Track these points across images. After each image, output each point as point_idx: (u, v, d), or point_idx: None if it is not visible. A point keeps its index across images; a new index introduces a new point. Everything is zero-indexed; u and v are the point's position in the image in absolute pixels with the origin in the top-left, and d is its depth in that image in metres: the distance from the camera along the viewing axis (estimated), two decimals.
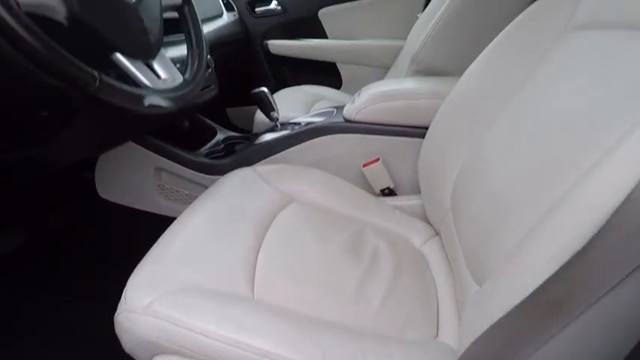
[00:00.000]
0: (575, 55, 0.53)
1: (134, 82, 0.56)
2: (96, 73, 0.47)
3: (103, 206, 1.08)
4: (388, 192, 0.90)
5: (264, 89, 1.00)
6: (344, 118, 0.91)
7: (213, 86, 1.10)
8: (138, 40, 0.58)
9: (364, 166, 0.88)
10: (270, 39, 1.74)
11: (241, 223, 0.66)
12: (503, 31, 0.69)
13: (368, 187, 0.90)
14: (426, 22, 1.27)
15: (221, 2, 1.52)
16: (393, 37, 1.65)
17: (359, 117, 0.88)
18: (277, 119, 1.03)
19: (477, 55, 0.73)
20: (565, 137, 0.45)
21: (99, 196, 1.08)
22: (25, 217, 1.04)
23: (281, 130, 1.01)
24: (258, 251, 0.63)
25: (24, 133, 0.64)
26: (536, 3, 0.66)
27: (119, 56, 0.54)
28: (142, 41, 0.59)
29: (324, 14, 1.70)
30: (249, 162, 0.97)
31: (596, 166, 0.34)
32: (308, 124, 1.01)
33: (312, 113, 1.09)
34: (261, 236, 0.66)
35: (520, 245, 0.41)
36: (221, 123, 1.38)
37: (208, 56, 1.08)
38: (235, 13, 1.62)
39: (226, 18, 1.50)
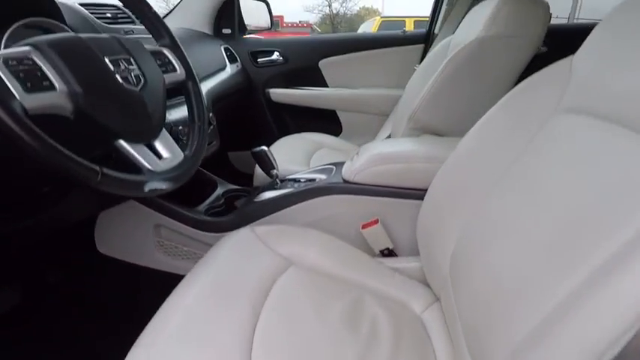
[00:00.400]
0: (564, 138, 0.54)
1: (135, 165, 0.57)
2: (97, 168, 0.49)
3: (102, 261, 1.07)
4: (388, 253, 0.90)
5: (265, 148, 1.02)
6: (343, 178, 0.92)
7: (214, 142, 1.12)
8: (141, 125, 0.60)
9: (363, 227, 0.88)
10: (271, 87, 1.79)
11: (239, 296, 0.65)
12: (498, 103, 0.71)
13: (367, 248, 0.90)
14: (423, 77, 1.31)
15: (225, 55, 1.58)
16: (391, 87, 1.70)
17: (358, 178, 0.89)
18: (277, 176, 1.04)
19: (473, 117, 0.75)
20: (572, 221, 0.45)
21: (98, 251, 1.08)
22: (22, 274, 1.03)
23: (281, 187, 1.02)
24: (255, 327, 0.62)
25: (24, 205, 0.65)
26: (529, 78, 0.68)
27: (122, 143, 0.56)
28: (145, 125, 0.61)
29: (325, 64, 1.75)
30: (248, 220, 0.97)
31: (626, 254, 0.34)
32: (308, 180, 1.03)
33: (311, 169, 1.10)
34: (259, 308, 0.65)
35: (535, 337, 0.40)
36: (222, 167, 1.40)
37: (210, 114, 1.11)
38: (238, 64, 1.68)
39: (229, 70, 1.55)
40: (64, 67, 0.49)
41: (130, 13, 1.03)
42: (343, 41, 1.77)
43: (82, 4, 0.89)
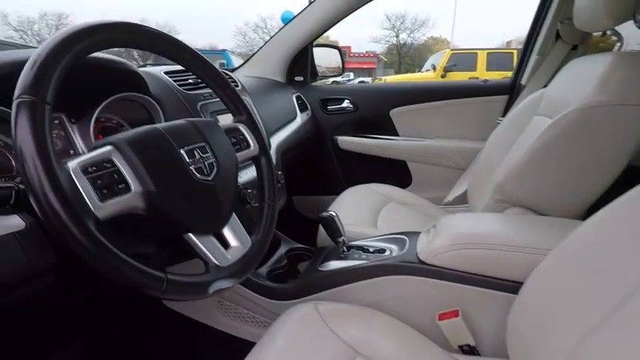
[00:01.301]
0: None
1: (200, 257, 0.55)
2: (163, 275, 0.47)
3: (166, 314, 1.07)
4: (468, 350, 0.77)
5: (333, 214, 0.97)
6: (418, 257, 0.83)
7: (281, 200, 1.10)
8: (211, 215, 0.58)
9: (440, 318, 0.78)
10: (340, 135, 1.76)
11: None
12: (633, 193, 0.58)
13: (443, 341, 0.79)
14: (508, 134, 1.19)
15: (296, 104, 1.58)
16: (469, 139, 1.58)
17: (436, 261, 0.79)
18: (344, 243, 0.98)
19: (581, 196, 0.62)
20: None
21: (163, 303, 1.08)
22: (86, 328, 1.06)
23: (347, 256, 0.96)
24: None
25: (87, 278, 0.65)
26: None
27: (191, 236, 0.55)
28: (216, 215, 0.59)
29: (396, 113, 1.69)
30: (311, 290, 0.92)
31: None
32: (377, 251, 0.95)
33: (381, 237, 1.02)
34: None
35: None
36: (286, 211, 1.37)
37: (279, 172, 1.09)
38: (308, 111, 1.68)
39: (300, 119, 1.55)
40: (141, 168, 0.49)
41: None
42: (417, 90, 1.70)
43: (166, 72, 0.93)
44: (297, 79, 1.78)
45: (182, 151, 0.55)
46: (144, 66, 1.06)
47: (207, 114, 0.94)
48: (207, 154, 0.59)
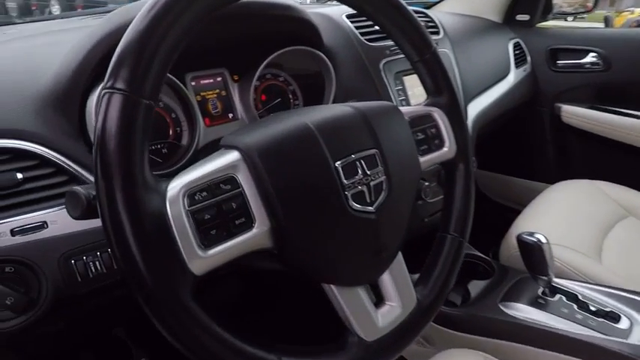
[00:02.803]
0: None
1: (336, 320, 0.38)
2: (275, 358, 0.32)
3: None
4: None
5: (542, 238, 0.66)
6: None
7: None
8: (365, 262, 0.40)
9: None
10: (565, 102, 1.27)
11: None
12: None
13: None
14: None
15: (511, 56, 1.18)
16: None
17: None
18: (549, 282, 0.67)
19: None
20: None
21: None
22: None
23: (548, 304, 0.66)
24: None
25: None
26: None
27: (332, 288, 0.37)
28: (372, 263, 0.40)
29: None
30: (484, 329, 0.68)
31: None
32: (604, 314, 0.62)
33: (615, 290, 0.67)
34: None
35: None
36: None
37: (472, 158, 0.81)
38: (527, 66, 1.25)
39: (512, 78, 1.15)
40: (272, 195, 0.33)
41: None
42: None
43: (349, 16, 0.72)
44: (519, 17, 1.32)
45: (337, 166, 0.36)
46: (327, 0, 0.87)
47: (391, 75, 0.71)
48: (375, 169, 0.39)
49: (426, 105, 0.50)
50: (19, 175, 0.43)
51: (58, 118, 0.46)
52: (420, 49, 0.47)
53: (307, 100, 0.70)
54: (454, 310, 0.74)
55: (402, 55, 0.73)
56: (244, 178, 0.33)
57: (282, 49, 0.61)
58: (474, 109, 0.94)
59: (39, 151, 0.44)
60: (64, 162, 0.45)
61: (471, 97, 0.94)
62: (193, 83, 0.58)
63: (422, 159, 0.46)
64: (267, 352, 0.32)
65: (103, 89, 0.28)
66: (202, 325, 0.30)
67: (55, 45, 0.55)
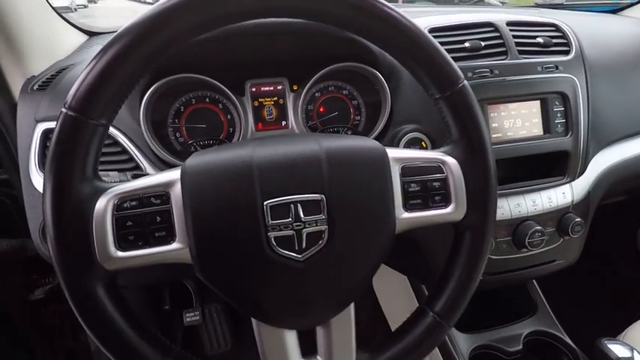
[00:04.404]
0: None
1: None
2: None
3: None
4: None
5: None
6: None
7: None
8: (288, 309, 0.38)
9: None
10: None
11: None
12: None
13: None
14: None
15: None
16: None
17: None
18: None
19: None
20: None
21: None
22: None
23: None
24: None
25: None
26: None
27: (254, 322, 0.38)
28: (296, 311, 0.38)
29: None
30: None
31: None
32: None
33: None
34: None
35: None
36: None
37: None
38: None
39: None
40: (189, 219, 0.34)
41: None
42: None
43: (432, 30, 0.62)
44: None
45: (265, 205, 0.35)
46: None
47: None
48: (314, 217, 0.35)
49: (441, 152, 0.42)
50: None
51: (124, 110, 0.57)
52: (441, 84, 0.40)
53: (369, 116, 0.67)
54: None
55: (490, 77, 0.61)
56: (175, 197, 0.35)
57: (333, 65, 0.59)
58: (608, 157, 0.71)
59: (112, 134, 0.56)
60: (127, 145, 0.56)
61: (607, 141, 0.72)
62: (253, 89, 0.63)
63: (408, 215, 0.39)
64: (155, 350, 0.35)
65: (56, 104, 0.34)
66: (103, 312, 0.34)
67: None
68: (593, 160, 0.70)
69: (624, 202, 0.90)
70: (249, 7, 0.35)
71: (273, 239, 0.35)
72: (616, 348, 0.52)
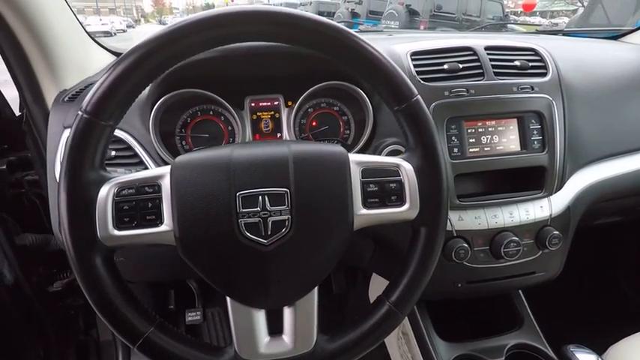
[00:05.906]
0: None
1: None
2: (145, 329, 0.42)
3: None
4: None
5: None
6: None
7: None
8: (254, 289, 0.44)
9: None
10: None
11: None
12: None
13: None
14: None
15: None
16: None
17: None
18: None
19: None
20: None
21: None
22: None
23: None
24: None
25: None
26: None
27: (227, 300, 0.44)
28: (260, 291, 0.43)
29: None
30: None
31: None
32: None
33: None
34: None
35: None
36: None
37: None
38: None
39: None
40: (173, 204, 0.41)
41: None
42: None
43: (416, 54, 0.69)
44: None
45: (238, 196, 0.41)
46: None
47: (443, 119, 0.65)
48: (279, 207, 0.41)
49: (399, 157, 0.47)
50: (113, 153, 0.64)
51: (137, 119, 0.66)
52: (398, 98, 0.45)
53: (357, 130, 0.73)
54: None
55: (464, 97, 0.67)
56: (165, 187, 0.41)
57: (321, 84, 0.66)
58: (588, 176, 0.74)
59: (126, 139, 0.65)
60: (138, 149, 0.65)
61: (586, 160, 0.74)
62: (252, 104, 0.70)
63: (366, 211, 0.44)
64: (140, 317, 0.41)
65: (77, 111, 0.42)
66: (100, 281, 0.40)
67: None
68: (573, 177, 0.72)
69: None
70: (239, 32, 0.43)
71: (243, 225, 0.41)
72: (582, 356, 0.54)
